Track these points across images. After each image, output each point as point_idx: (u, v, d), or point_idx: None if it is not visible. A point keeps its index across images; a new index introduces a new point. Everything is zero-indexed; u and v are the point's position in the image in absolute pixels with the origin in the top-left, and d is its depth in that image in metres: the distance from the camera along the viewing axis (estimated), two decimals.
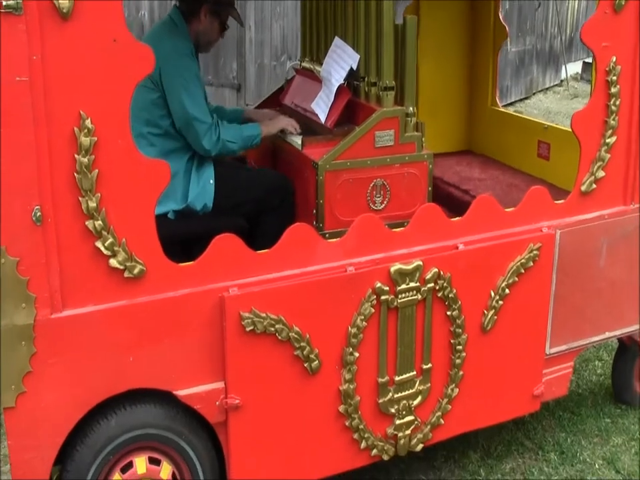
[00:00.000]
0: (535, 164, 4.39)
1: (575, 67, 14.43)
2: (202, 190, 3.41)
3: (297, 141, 3.45)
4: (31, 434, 2.55)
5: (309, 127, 3.63)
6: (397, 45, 3.28)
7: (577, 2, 14.36)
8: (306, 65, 3.96)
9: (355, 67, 3.41)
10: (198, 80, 3.38)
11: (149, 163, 2.56)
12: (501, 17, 4.65)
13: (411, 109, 3.31)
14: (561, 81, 13.88)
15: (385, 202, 3.33)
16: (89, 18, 2.32)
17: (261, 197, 3.50)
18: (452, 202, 4.16)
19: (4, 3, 2.16)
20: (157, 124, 3.38)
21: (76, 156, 2.40)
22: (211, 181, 3.43)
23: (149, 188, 2.57)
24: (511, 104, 12.06)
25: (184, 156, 3.43)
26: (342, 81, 3.43)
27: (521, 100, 12.70)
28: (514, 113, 4.84)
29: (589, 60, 14.41)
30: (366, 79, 3.41)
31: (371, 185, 3.28)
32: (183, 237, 3.42)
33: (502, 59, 5.09)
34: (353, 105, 3.47)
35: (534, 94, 13.22)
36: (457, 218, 3.19)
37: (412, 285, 3.02)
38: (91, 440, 2.66)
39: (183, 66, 3.32)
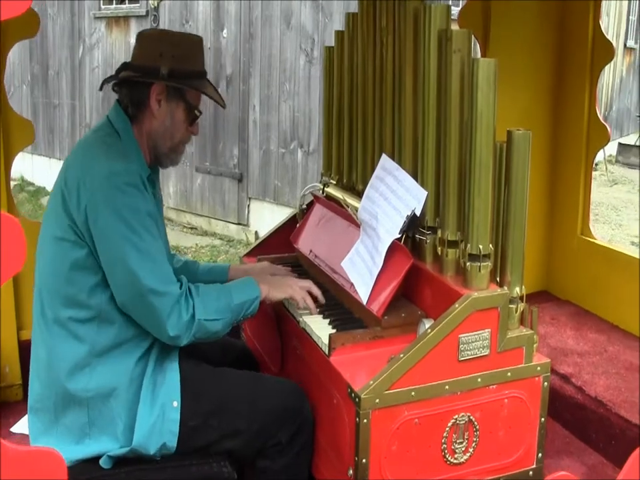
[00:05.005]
0: None
1: (608, 149, 13.20)
2: (159, 420, 2.00)
3: (316, 330, 2.07)
4: None
5: (338, 301, 2.26)
6: (496, 175, 1.93)
7: (612, 79, 13.21)
8: (332, 191, 2.59)
9: (418, 212, 2.05)
10: (152, 223, 2.00)
11: None
12: (600, 117, 3.32)
13: (517, 289, 1.94)
14: (596, 164, 12.60)
15: (471, 450, 1.93)
16: None
17: (260, 431, 2.08)
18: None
19: None
20: (83, 303, 1.98)
21: None
22: (175, 403, 2.03)
23: None
24: None
25: (130, 357, 2.03)
26: (398, 235, 2.06)
27: None
28: (616, 248, 3.47)
29: (625, 141, 13.21)
30: (438, 232, 2.04)
31: (450, 425, 1.89)
32: None
33: None
34: (414, 272, 2.09)
35: None
36: None
37: None
38: None
39: (124, 206, 1.93)
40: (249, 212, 7.24)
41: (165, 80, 2.06)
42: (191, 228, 7.72)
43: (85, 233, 1.94)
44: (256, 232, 7.06)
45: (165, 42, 2.15)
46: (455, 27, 1.99)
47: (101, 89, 2.26)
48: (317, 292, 2.25)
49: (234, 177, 7.25)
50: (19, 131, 2.89)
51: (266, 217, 6.91)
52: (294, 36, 6.52)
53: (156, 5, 7.69)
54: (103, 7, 8.61)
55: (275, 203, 6.91)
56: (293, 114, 6.71)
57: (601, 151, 3.52)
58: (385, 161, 2.20)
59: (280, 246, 2.79)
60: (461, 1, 6.82)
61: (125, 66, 2.14)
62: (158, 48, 2.11)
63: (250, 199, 7.19)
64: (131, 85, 2.10)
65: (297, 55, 6.53)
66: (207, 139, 7.46)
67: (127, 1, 8.37)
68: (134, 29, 8.03)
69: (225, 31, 7.07)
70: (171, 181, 7.85)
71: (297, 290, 2.22)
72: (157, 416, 2.01)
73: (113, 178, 1.93)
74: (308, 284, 2.26)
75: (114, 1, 8.55)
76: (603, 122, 3.32)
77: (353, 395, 1.80)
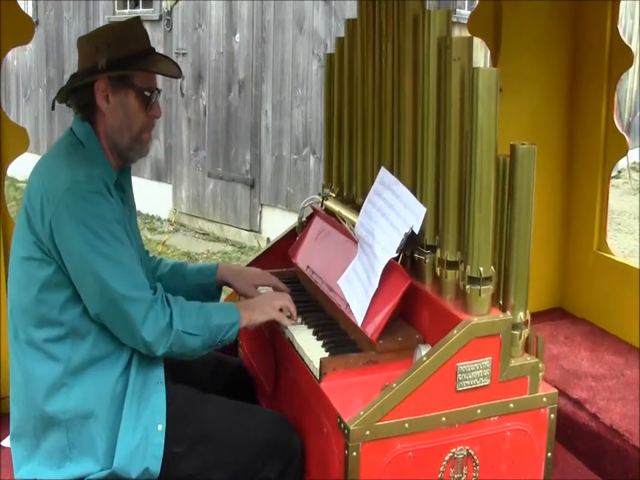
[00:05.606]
0: None
1: (632, 156, 12.94)
2: (142, 444, 1.90)
3: (308, 353, 1.96)
4: None
5: (334, 321, 2.15)
6: (498, 192, 1.80)
7: (636, 83, 12.96)
8: (331, 204, 2.48)
9: (417, 229, 1.93)
10: (119, 229, 1.91)
11: None
12: (618, 126, 3.18)
13: (521, 314, 1.81)
14: (619, 171, 12.36)
15: None
16: None
17: (246, 464, 1.97)
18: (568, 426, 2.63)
19: None
20: (55, 321, 1.89)
21: None
22: (160, 426, 1.93)
23: None
24: None
25: (108, 375, 1.93)
26: (395, 254, 1.94)
27: None
28: (634, 264, 3.32)
29: None
30: (437, 251, 1.92)
31: (447, 459, 1.76)
32: None
33: None
34: (412, 293, 1.96)
35: None
36: None
37: None
38: None
39: (89, 215, 1.84)
40: (260, 218, 7.14)
41: (104, 72, 1.95)
42: (203, 234, 7.62)
43: (51, 249, 1.86)
44: (268, 238, 6.95)
45: (98, 36, 2.08)
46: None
47: (53, 108, 2.19)
48: (292, 309, 2.16)
49: (246, 182, 7.15)
50: (13, 138, 2.81)
51: (278, 224, 6.80)
52: (306, 40, 6.41)
53: (169, 9, 7.61)
54: (117, 10, 8.57)
55: (287, 210, 6.80)
56: (305, 119, 6.60)
57: (624, 158, 3.38)
58: (383, 174, 2.08)
59: (280, 260, 2.68)
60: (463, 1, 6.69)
61: (71, 78, 2.06)
62: (93, 44, 2.02)
63: (262, 205, 7.09)
64: (76, 91, 2.01)
65: (310, 60, 6.42)
66: (219, 144, 7.37)
67: (140, 5, 8.31)
68: (148, 33, 7.96)
69: (237, 35, 6.97)
70: (183, 186, 7.77)
71: (276, 311, 2.13)
72: (140, 438, 1.91)
73: (76, 187, 1.84)
74: (283, 301, 2.17)
75: (128, 5, 8.49)
76: (622, 132, 3.18)
77: (342, 425, 1.69)
